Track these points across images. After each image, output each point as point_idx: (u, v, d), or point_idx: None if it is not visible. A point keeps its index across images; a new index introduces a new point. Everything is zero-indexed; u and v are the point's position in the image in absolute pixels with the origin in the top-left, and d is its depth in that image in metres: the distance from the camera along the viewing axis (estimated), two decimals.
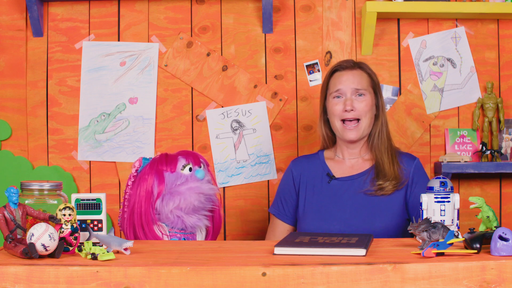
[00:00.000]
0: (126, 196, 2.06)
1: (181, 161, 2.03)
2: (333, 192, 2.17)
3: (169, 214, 1.99)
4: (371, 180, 2.15)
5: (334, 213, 2.13)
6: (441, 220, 1.74)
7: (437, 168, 2.67)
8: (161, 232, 2.00)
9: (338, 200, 2.15)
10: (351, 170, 2.21)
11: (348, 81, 2.17)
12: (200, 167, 2.05)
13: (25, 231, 1.56)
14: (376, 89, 2.22)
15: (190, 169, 2.02)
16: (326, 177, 2.21)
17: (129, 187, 2.05)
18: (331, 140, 2.31)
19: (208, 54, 2.77)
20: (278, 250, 1.54)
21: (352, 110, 2.15)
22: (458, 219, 1.78)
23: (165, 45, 2.77)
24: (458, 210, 1.78)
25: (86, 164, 2.76)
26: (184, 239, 2.03)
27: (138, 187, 2.01)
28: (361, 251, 1.49)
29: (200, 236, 2.09)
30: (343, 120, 2.17)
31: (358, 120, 2.16)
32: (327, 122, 2.27)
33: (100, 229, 1.71)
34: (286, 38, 2.79)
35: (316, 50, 2.78)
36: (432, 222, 1.59)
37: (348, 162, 2.23)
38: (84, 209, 1.72)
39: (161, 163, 2.03)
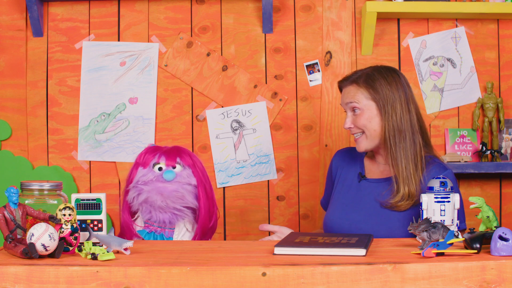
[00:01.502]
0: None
1: (154, 159, 2.09)
2: (358, 192, 2.15)
3: (139, 206, 2.08)
4: (390, 193, 2.11)
5: (349, 213, 2.11)
6: (441, 220, 1.74)
7: None
8: (132, 222, 2.10)
9: (357, 201, 2.13)
10: (380, 174, 2.18)
11: (343, 99, 2.17)
12: (175, 167, 2.08)
13: (25, 231, 1.56)
14: (380, 101, 2.10)
15: (160, 169, 2.06)
16: (358, 176, 2.20)
17: None
18: None
19: (208, 54, 2.77)
20: (278, 250, 1.54)
21: (350, 127, 2.14)
22: (458, 219, 1.78)
23: (165, 45, 2.77)
24: (458, 210, 1.78)
25: (86, 164, 2.77)
26: (154, 233, 2.07)
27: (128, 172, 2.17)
28: (361, 251, 1.49)
29: (188, 234, 2.10)
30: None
31: (362, 132, 2.14)
32: None
33: (100, 229, 1.71)
34: (286, 38, 2.79)
35: (316, 50, 2.78)
36: (432, 222, 1.59)
37: (381, 166, 2.21)
38: (84, 209, 1.72)
39: (140, 156, 2.13)
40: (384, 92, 2.10)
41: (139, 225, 2.11)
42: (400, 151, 2.08)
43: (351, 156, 2.28)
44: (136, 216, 2.15)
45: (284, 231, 2.08)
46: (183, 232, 2.10)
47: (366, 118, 2.10)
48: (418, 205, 2.08)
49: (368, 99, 2.12)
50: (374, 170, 2.20)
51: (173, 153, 2.13)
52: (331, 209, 2.20)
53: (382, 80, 2.12)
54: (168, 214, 2.06)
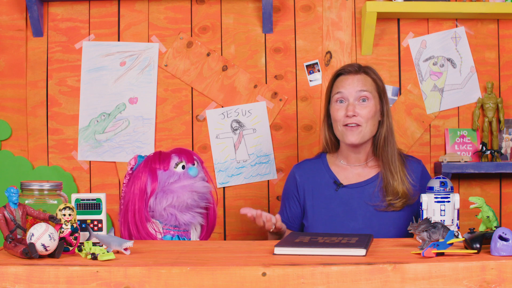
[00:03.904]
0: (122, 194, 2.08)
1: (174, 159, 2.05)
2: (343, 201, 2.12)
3: (163, 212, 2.01)
4: (380, 193, 2.10)
5: (346, 222, 2.09)
6: (441, 220, 1.74)
7: (437, 168, 2.67)
8: (154, 230, 2.01)
9: (349, 209, 2.11)
10: (358, 177, 2.16)
11: (351, 85, 2.12)
12: (194, 164, 2.07)
13: (25, 231, 1.56)
14: (381, 94, 2.15)
15: (183, 167, 2.04)
16: (333, 185, 2.15)
17: (124, 185, 2.07)
18: (334, 145, 2.25)
19: (208, 54, 2.77)
20: (278, 250, 1.54)
21: (354, 115, 2.09)
22: (458, 219, 1.78)
23: (165, 45, 2.77)
24: (458, 210, 1.78)
25: (86, 164, 2.77)
26: (178, 237, 2.04)
27: (133, 185, 2.03)
28: (361, 251, 1.49)
29: (195, 234, 2.10)
30: (346, 125, 2.13)
31: (360, 125, 2.12)
32: (330, 126, 2.22)
33: (100, 229, 1.72)
34: (286, 38, 2.79)
35: (316, 50, 2.78)
36: (432, 222, 1.59)
37: (354, 169, 2.18)
38: (84, 209, 1.72)
39: (155, 161, 2.05)
40: (384, 89, 2.16)
41: (156, 230, 2.07)
42: (391, 145, 2.12)
43: (312, 168, 2.24)
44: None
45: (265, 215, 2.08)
46: (195, 234, 2.11)
47: (371, 111, 2.11)
48: (413, 204, 2.09)
49: (375, 91, 2.14)
50: (348, 175, 2.17)
51: (187, 151, 2.11)
52: (318, 226, 2.14)
53: (379, 78, 2.18)
54: (192, 214, 2.04)
